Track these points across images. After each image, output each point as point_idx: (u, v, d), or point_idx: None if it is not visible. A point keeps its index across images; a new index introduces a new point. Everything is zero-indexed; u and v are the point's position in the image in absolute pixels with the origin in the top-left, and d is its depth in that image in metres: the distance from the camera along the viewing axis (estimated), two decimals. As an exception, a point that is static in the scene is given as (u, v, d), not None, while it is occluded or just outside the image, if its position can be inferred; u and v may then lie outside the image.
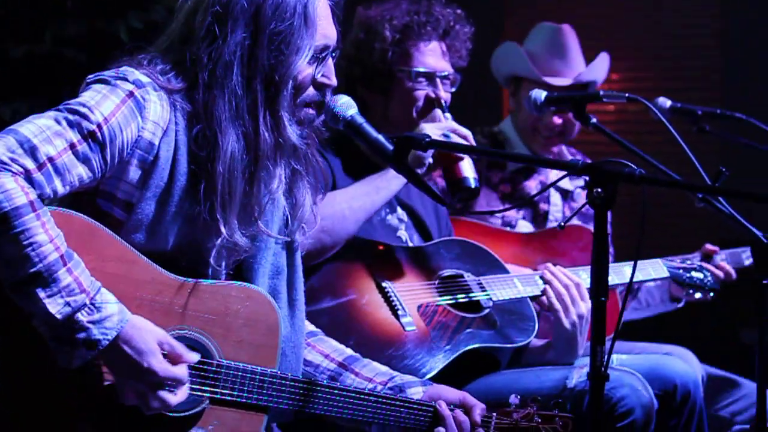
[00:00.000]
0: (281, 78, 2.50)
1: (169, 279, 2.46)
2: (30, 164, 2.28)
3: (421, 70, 3.53)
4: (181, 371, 2.39)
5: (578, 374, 3.34)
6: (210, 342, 2.49)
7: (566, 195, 4.27)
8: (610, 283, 3.33)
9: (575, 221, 4.05)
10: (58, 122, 2.34)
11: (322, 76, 2.59)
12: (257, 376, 2.54)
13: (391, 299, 3.32)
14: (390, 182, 3.34)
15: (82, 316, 2.27)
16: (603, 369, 2.35)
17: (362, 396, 2.69)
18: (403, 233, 3.57)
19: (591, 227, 2.59)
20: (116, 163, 2.42)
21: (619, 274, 3.70)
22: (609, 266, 2.41)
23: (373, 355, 2.93)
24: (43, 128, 2.32)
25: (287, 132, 2.52)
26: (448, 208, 3.78)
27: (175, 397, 2.38)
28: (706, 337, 5.55)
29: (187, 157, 2.48)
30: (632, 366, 3.47)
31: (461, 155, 3.31)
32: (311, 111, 2.61)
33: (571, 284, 3.52)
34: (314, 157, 2.67)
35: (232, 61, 2.47)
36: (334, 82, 2.63)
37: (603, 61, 4.27)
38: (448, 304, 3.40)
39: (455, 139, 3.32)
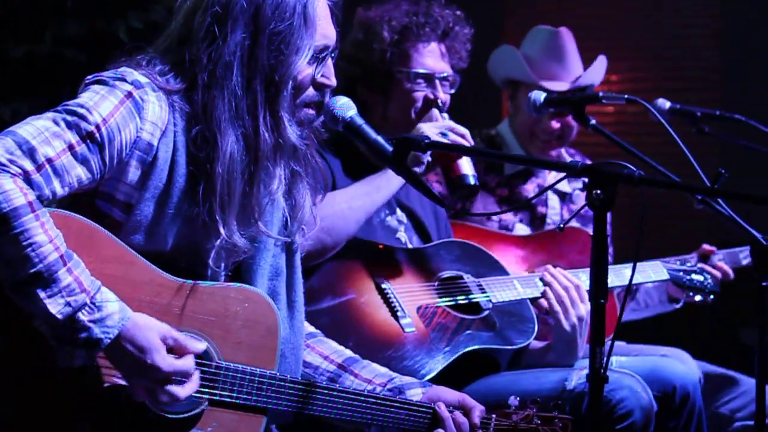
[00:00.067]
0: (281, 78, 2.50)
1: (167, 280, 2.46)
2: (29, 165, 2.28)
3: (420, 71, 3.53)
4: (187, 363, 2.39)
5: (577, 376, 3.34)
6: (209, 343, 2.49)
7: (564, 197, 4.26)
8: (610, 284, 3.33)
9: (573, 223, 4.04)
10: (57, 123, 2.34)
11: (322, 76, 2.59)
12: (256, 378, 2.54)
13: (390, 300, 3.31)
14: (390, 181, 3.33)
15: (83, 316, 2.27)
16: (602, 371, 2.35)
17: (361, 398, 2.69)
18: (402, 235, 3.56)
19: (590, 229, 2.59)
20: (115, 164, 2.42)
21: (618, 275, 3.69)
22: (608, 268, 2.41)
23: (373, 356, 2.92)
24: (41, 129, 2.32)
25: (287, 132, 2.52)
26: (447, 210, 3.78)
27: (184, 390, 2.38)
28: (705, 337, 5.54)
29: (185, 158, 2.48)
30: (631, 368, 3.47)
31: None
32: (311, 111, 2.60)
33: (571, 286, 3.51)
34: (314, 157, 2.66)
35: (231, 61, 2.47)
36: (333, 82, 2.62)
37: (601, 64, 4.26)
38: (448, 306, 3.39)
39: (453, 137, 3.31)
